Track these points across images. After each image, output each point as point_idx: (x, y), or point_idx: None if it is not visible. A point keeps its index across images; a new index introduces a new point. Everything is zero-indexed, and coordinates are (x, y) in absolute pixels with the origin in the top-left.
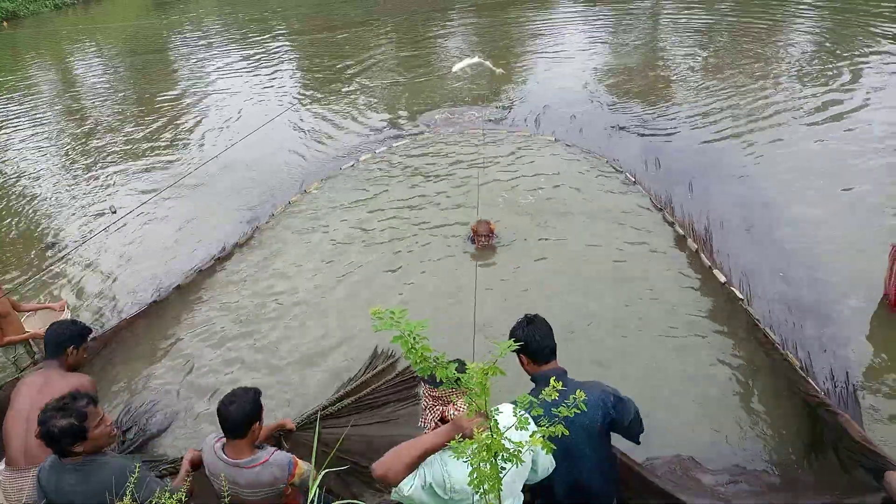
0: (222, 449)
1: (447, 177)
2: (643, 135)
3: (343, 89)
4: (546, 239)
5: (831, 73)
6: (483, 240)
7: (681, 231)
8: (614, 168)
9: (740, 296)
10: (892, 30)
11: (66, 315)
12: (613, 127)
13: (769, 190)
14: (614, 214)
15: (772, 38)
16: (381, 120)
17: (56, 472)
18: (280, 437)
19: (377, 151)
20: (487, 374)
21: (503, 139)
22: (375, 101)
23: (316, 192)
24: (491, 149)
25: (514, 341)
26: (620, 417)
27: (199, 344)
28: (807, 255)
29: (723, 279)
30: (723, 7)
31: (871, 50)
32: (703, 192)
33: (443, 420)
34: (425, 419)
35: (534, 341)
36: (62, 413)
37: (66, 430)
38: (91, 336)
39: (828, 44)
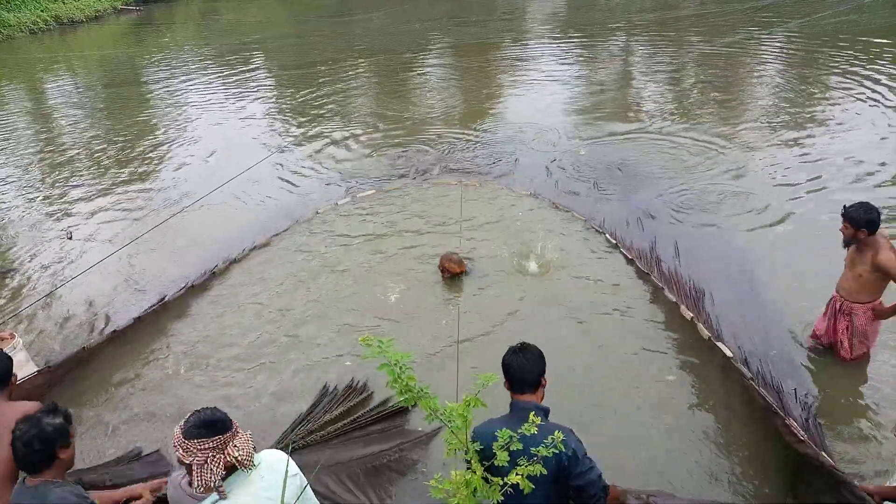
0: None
1: (412, 231)
2: (624, 190)
3: (312, 129)
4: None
5: (799, 116)
6: (447, 273)
7: (672, 297)
8: (595, 229)
9: (748, 373)
10: (860, 67)
11: (18, 342)
12: (592, 184)
13: (753, 246)
14: (593, 279)
15: (739, 75)
16: (344, 167)
17: (21, 495)
18: None
19: (339, 203)
20: (469, 405)
21: (476, 190)
22: (343, 144)
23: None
24: (463, 201)
25: (502, 364)
26: (570, 471)
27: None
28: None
29: (729, 353)
30: (692, 40)
31: (839, 87)
32: (691, 253)
33: (228, 467)
34: (203, 477)
35: (511, 369)
36: (52, 414)
37: (59, 430)
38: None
39: (795, 81)
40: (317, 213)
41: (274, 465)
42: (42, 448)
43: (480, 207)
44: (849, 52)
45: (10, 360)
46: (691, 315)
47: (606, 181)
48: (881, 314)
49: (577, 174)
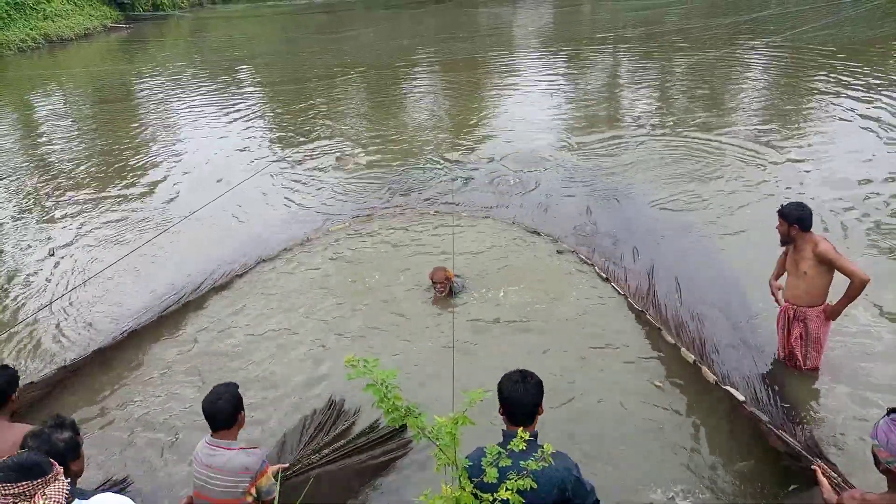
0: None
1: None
2: (616, 215)
3: (298, 150)
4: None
5: (791, 128)
6: (440, 287)
7: (670, 339)
8: (585, 261)
9: (764, 417)
10: (845, 77)
11: None
12: (585, 210)
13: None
14: (583, 319)
15: (727, 88)
16: (325, 193)
17: None
18: None
19: (313, 237)
20: (458, 423)
21: (459, 219)
22: (329, 166)
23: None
24: (445, 231)
25: (498, 390)
26: (573, 497)
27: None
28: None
29: (741, 398)
30: (679, 52)
31: (823, 100)
32: (691, 285)
33: None
34: None
35: (509, 400)
36: (59, 429)
37: (69, 444)
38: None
39: (784, 92)
40: (286, 249)
41: None
42: (73, 452)
43: (465, 236)
44: (834, 63)
45: (6, 374)
46: (693, 358)
47: (599, 203)
48: (833, 314)
49: (568, 198)
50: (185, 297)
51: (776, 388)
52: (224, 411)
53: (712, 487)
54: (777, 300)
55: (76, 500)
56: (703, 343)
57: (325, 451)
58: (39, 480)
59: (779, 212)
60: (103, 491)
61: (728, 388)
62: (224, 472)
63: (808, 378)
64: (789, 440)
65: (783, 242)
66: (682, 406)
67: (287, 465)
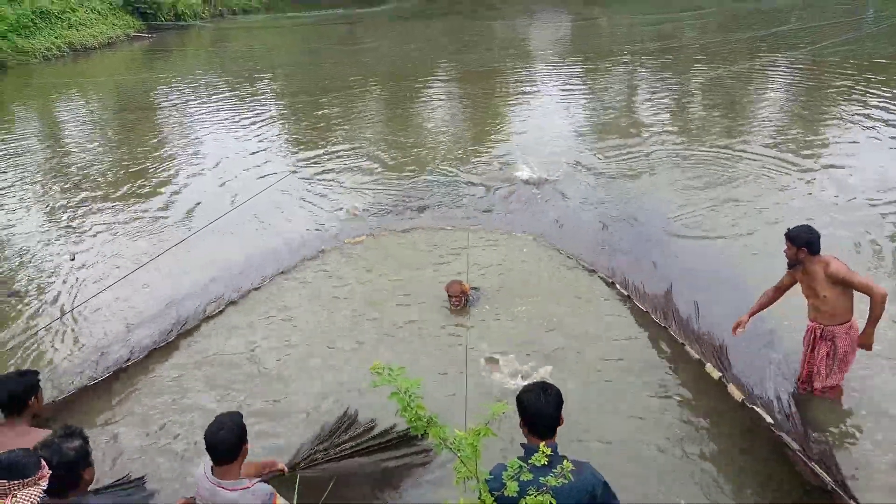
0: (211, 470)
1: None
2: (634, 230)
3: (315, 161)
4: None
5: (812, 143)
6: (455, 300)
7: (695, 354)
8: (603, 277)
9: (795, 445)
10: (864, 93)
11: None
12: (602, 226)
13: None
14: (600, 333)
15: (748, 102)
16: (341, 205)
17: None
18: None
19: (326, 249)
20: (479, 435)
21: (474, 236)
22: (345, 176)
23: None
24: (461, 245)
25: (518, 403)
26: (601, 501)
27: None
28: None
29: (769, 419)
30: (697, 66)
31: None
32: (712, 299)
33: None
34: None
35: (531, 412)
36: (69, 438)
37: (80, 452)
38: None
39: (804, 102)
40: (301, 260)
41: None
42: (66, 473)
43: (481, 250)
44: (858, 78)
45: (18, 384)
46: (720, 374)
47: (618, 218)
48: (865, 339)
49: (586, 213)
50: (202, 309)
51: (797, 408)
52: (227, 441)
53: None
54: (735, 331)
55: None
56: (727, 359)
57: (335, 449)
58: (17, 482)
59: (786, 235)
60: (120, 487)
61: (755, 407)
62: None
63: (834, 402)
64: (823, 476)
65: (790, 266)
66: (700, 424)
67: (285, 468)
